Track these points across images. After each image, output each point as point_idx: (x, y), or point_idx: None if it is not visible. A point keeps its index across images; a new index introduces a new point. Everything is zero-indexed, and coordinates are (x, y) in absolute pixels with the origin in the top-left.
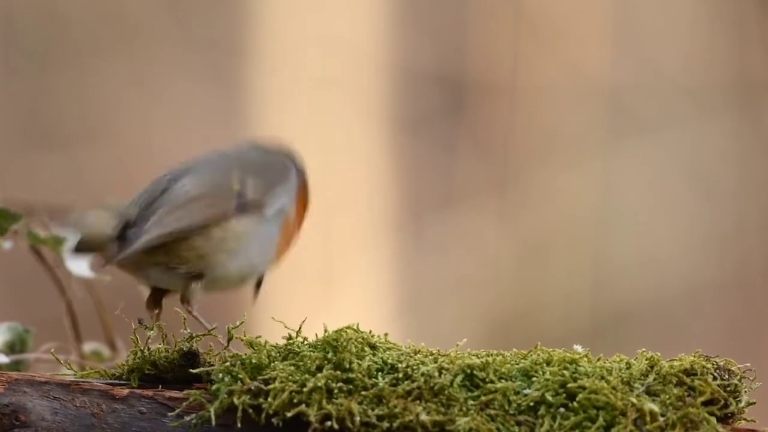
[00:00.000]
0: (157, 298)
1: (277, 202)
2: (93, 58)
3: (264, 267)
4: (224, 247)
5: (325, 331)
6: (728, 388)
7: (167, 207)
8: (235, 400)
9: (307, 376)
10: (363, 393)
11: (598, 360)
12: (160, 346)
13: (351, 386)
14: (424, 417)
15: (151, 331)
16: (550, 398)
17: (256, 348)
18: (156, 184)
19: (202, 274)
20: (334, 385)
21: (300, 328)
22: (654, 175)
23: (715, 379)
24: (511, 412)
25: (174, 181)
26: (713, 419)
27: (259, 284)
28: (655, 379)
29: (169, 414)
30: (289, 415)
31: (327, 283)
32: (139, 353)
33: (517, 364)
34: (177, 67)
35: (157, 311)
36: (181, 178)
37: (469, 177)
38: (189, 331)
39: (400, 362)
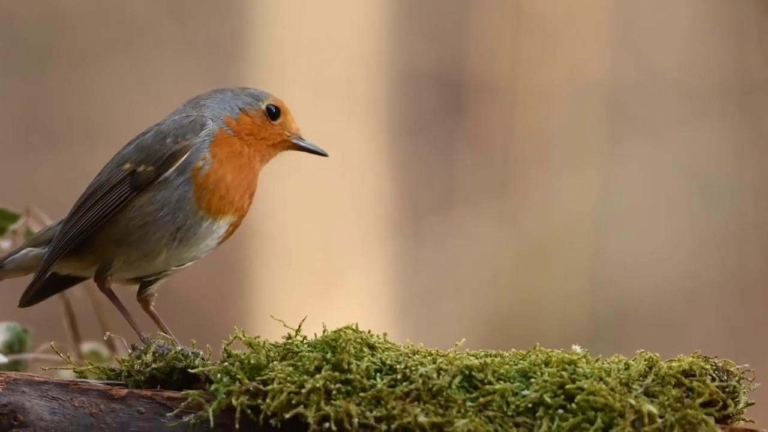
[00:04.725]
0: (142, 290)
1: (178, 162)
2: (94, 59)
3: (184, 222)
4: (134, 225)
5: (324, 330)
6: (727, 389)
7: (66, 218)
8: (234, 401)
9: (305, 377)
10: (361, 394)
11: (597, 361)
12: (154, 358)
13: (349, 387)
14: (422, 418)
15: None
16: (548, 399)
17: (254, 348)
18: None
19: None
20: (332, 386)
21: (299, 326)
22: (652, 177)
23: (713, 380)
24: (510, 413)
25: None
26: (711, 420)
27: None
28: (653, 380)
29: (168, 414)
30: (287, 416)
31: (327, 284)
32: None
33: (516, 364)
34: (177, 69)
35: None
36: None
37: (469, 178)
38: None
39: (399, 363)
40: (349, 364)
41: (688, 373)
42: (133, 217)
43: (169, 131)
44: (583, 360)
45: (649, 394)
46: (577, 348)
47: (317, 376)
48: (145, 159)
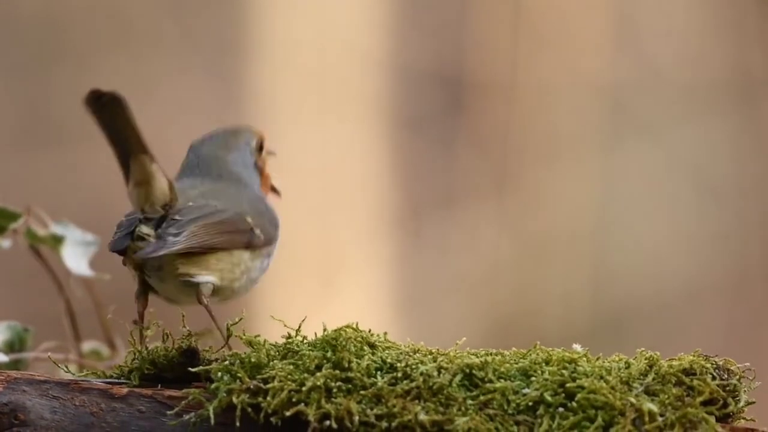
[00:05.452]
0: (145, 292)
1: (274, 249)
2: (92, 56)
3: (249, 289)
4: (233, 270)
5: (325, 330)
6: (727, 388)
7: (201, 220)
8: (234, 399)
9: (306, 375)
10: (362, 392)
11: (597, 359)
12: (158, 344)
13: (350, 385)
14: (422, 416)
15: (149, 330)
16: (548, 398)
17: (255, 347)
18: (185, 193)
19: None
20: (333, 384)
21: (299, 326)
22: (653, 174)
23: (714, 378)
24: (510, 411)
25: (203, 198)
26: (712, 419)
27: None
28: (654, 379)
29: (168, 413)
30: (287, 414)
31: (327, 283)
32: (137, 353)
33: (516, 363)
34: (176, 66)
35: (145, 307)
36: (209, 199)
37: (469, 176)
38: (188, 329)
39: (399, 361)
40: (349, 362)
41: (688, 372)
42: (237, 264)
43: (273, 217)
44: (584, 359)
45: (649, 392)
46: (577, 347)
47: (318, 374)
48: (260, 227)
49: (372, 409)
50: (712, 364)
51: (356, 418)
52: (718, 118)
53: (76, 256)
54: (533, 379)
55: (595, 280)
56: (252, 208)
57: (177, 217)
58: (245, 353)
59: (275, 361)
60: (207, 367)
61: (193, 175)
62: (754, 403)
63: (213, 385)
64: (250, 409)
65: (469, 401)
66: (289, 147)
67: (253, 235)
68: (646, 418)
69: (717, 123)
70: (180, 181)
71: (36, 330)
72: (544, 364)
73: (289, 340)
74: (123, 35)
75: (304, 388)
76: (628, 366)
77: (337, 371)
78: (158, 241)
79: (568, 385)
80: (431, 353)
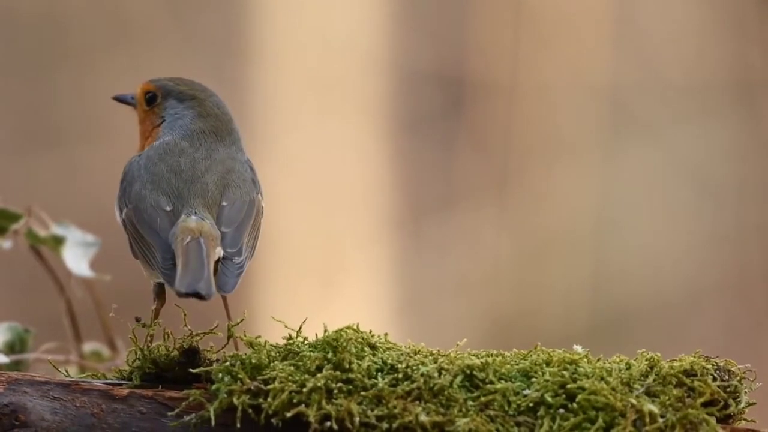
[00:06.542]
0: (164, 290)
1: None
2: (92, 57)
3: None
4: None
5: (325, 331)
6: (728, 389)
7: (244, 229)
8: (235, 400)
9: (306, 376)
10: (362, 393)
11: (598, 361)
12: (160, 344)
13: (351, 386)
14: (423, 418)
15: (151, 329)
16: (549, 399)
17: (255, 348)
18: (201, 187)
19: None
20: (333, 385)
21: (300, 328)
22: (653, 175)
23: (714, 380)
24: (511, 412)
25: (221, 195)
26: (713, 420)
27: None
28: (654, 380)
29: (169, 414)
30: (288, 415)
31: (327, 283)
32: (139, 352)
33: (517, 364)
34: (176, 67)
35: (163, 304)
36: (227, 194)
37: (469, 176)
38: (189, 328)
39: (400, 362)
40: (350, 363)
41: (689, 373)
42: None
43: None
44: (585, 360)
45: (650, 393)
46: (578, 348)
47: (318, 375)
48: (263, 196)
49: (373, 410)
50: (713, 365)
51: (357, 419)
52: (718, 119)
53: (77, 257)
54: (534, 380)
55: (595, 280)
56: (255, 181)
57: (224, 230)
58: (246, 354)
59: (276, 362)
60: (207, 368)
61: (187, 133)
62: (754, 404)
63: (214, 386)
64: (250, 410)
65: (470, 402)
66: (289, 148)
67: (263, 209)
68: (647, 419)
69: (717, 123)
70: (174, 136)
71: (37, 331)
72: (544, 365)
73: (290, 341)
74: (123, 35)
75: (304, 389)
76: (628, 367)
77: (338, 372)
78: (228, 269)
79: (568, 386)
80: (432, 354)
